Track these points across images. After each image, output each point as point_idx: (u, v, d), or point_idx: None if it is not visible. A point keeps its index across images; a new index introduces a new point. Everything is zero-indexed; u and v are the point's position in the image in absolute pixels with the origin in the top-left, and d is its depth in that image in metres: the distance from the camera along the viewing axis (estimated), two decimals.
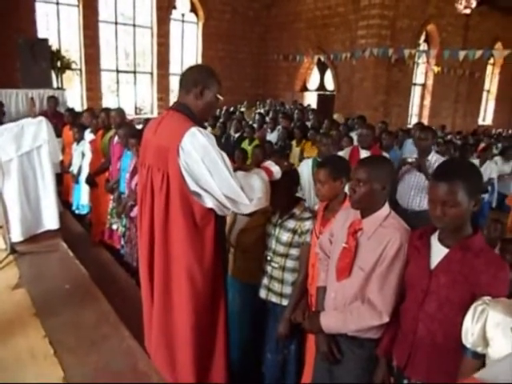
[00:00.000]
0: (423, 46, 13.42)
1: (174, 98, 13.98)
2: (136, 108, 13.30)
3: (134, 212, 3.53)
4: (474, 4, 7.84)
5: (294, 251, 2.27)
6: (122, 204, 3.68)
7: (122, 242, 3.97)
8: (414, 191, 4.02)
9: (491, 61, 16.29)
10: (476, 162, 7.06)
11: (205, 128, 1.92)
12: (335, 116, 10.77)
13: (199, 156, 1.75)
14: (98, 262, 3.98)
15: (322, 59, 13.10)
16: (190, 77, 1.95)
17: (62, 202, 4.66)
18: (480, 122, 17.05)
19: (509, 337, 1.30)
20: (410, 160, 3.99)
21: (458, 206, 1.42)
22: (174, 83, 13.89)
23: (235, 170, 1.94)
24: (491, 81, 17.27)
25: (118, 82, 12.88)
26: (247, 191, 1.84)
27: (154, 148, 1.90)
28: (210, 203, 1.84)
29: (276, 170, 2.11)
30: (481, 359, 1.42)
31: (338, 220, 1.91)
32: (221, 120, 7.97)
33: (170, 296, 1.92)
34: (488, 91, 17.35)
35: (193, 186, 1.80)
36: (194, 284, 1.87)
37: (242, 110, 11.89)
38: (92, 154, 4.72)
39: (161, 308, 1.96)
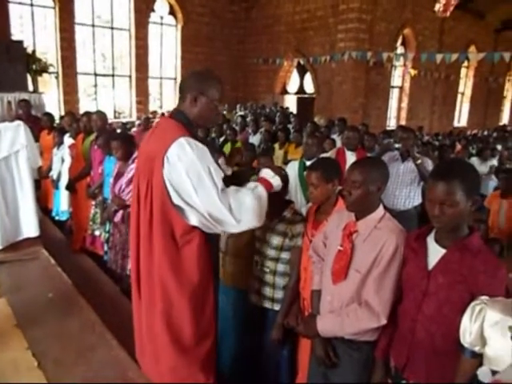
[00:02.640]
0: (400, 50, 13.65)
1: (153, 101, 13.88)
2: (115, 112, 13.10)
3: (118, 217, 3.45)
4: (452, 7, 8.05)
5: (285, 255, 2.24)
6: (107, 210, 3.59)
7: (106, 248, 3.88)
8: (399, 190, 4.07)
9: (465, 64, 16.71)
10: None
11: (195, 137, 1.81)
12: (316, 118, 10.84)
13: (184, 168, 1.66)
14: (80, 270, 3.88)
15: (302, 62, 13.19)
16: (186, 83, 1.88)
17: (40, 209, 4.54)
18: (455, 123, 17.44)
19: (507, 336, 1.31)
20: (396, 146, 4.05)
21: (457, 205, 1.42)
22: (153, 86, 13.78)
23: (229, 181, 1.83)
24: (465, 83, 17.70)
25: (95, 86, 12.67)
26: (235, 211, 1.70)
27: (144, 156, 1.85)
28: (193, 220, 1.74)
29: (276, 183, 1.93)
30: (478, 359, 1.42)
31: (332, 222, 1.90)
32: None
33: (154, 305, 1.86)
34: (462, 94, 17.77)
35: (176, 200, 1.72)
36: (168, 299, 1.80)
37: (223, 113, 11.84)
38: (72, 159, 4.60)
39: (147, 316, 1.90)
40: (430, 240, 1.57)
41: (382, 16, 12.02)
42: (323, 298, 1.85)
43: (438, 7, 8.33)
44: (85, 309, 2.87)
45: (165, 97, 14.33)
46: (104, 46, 12.91)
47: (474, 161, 7.20)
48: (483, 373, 1.38)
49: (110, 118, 11.21)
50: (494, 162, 7.52)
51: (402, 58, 12.51)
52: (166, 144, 1.69)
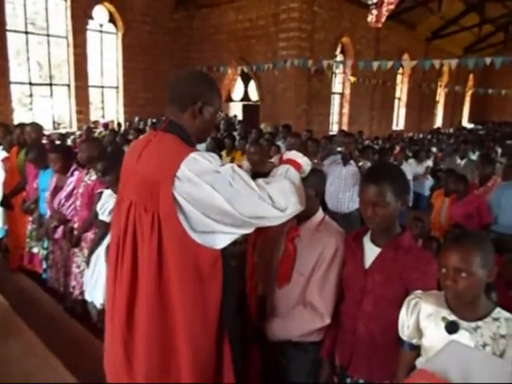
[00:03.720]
0: (339, 57, 14.16)
1: (94, 110, 13.45)
2: (54, 122, 12.55)
3: (59, 233, 3.31)
4: (384, 18, 8.51)
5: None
6: (44, 226, 3.43)
7: (45, 266, 3.70)
8: (342, 193, 4.23)
9: (400, 71, 17.63)
10: None
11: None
12: (262, 125, 10.99)
13: (209, 184, 1.38)
14: (18, 290, 3.68)
15: (246, 70, 13.33)
16: (185, 89, 1.56)
17: None
18: (394, 127, 18.31)
19: (441, 326, 1.39)
20: (339, 149, 4.24)
21: (387, 206, 1.51)
22: (94, 95, 13.37)
23: (254, 175, 1.61)
24: (401, 89, 18.67)
25: (31, 95, 12.08)
26: (278, 202, 1.46)
27: (138, 181, 1.50)
28: (222, 240, 1.48)
29: (305, 164, 1.66)
30: (416, 350, 1.51)
31: (274, 228, 1.93)
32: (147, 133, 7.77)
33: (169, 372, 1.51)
34: (399, 99, 18.73)
35: (201, 224, 1.43)
36: (197, 356, 1.49)
37: None
38: (6, 173, 4.36)
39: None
40: (366, 240, 1.65)
41: (321, 25, 12.42)
42: (269, 302, 1.87)
43: (370, 18, 8.77)
44: (25, 331, 2.74)
45: (107, 106, 13.94)
46: (40, 54, 12.36)
47: (411, 162, 7.59)
48: (421, 363, 1.46)
49: (48, 130, 10.74)
50: (429, 162, 7.98)
51: (341, 66, 12.99)
52: (173, 164, 1.40)
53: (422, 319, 1.45)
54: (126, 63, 13.46)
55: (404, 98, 18.80)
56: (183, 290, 1.45)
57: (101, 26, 13.10)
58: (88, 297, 3.04)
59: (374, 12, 8.43)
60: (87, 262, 2.99)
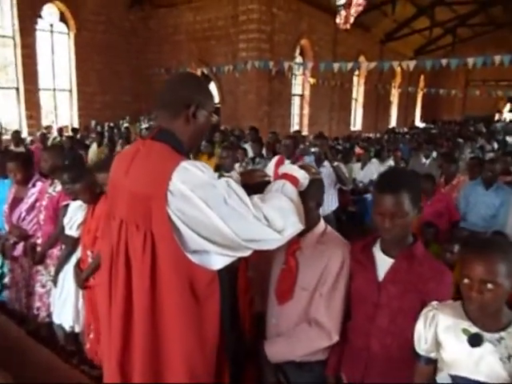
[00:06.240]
0: (299, 59, 14.24)
1: (45, 114, 12.75)
2: (1, 128, 11.77)
3: (19, 250, 3.01)
4: (352, 18, 8.61)
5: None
6: (0, 242, 3.12)
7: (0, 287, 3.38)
8: None
9: (356, 72, 18.00)
10: (357, 165, 7.68)
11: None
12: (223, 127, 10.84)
13: (201, 199, 1.25)
14: None
15: (206, 72, 13.13)
16: (177, 94, 1.44)
17: None
18: (352, 127, 18.67)
19: (462, 339, 1.31)
20: (313, 150, 4.16)
21: (406, 215, 1.41)
22: (46, 99, 12.68)
23: (250, 191, 1.45)
24: (357, 91, 19.08)
25: None
26: (275, 223, 1.32)
27: (127, 196, 1.36)
28: (218, 261, 1.35)
29: (302, 176, 1.52)
30: (434, 365, 1.42)
31: None
32: (105, 138, 7.45)
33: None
34: (356, 100, 19.14)
35: (194, 244, 1.31)
36: (194, 374, 1.36)
37: (126, 125, 11.28)
38: None
39: None
40: (377, 251, 1.55)
41: (280, 27, 12.42)
42: (268, 320, 1.74)
43: (339, 20, 8.82)
44: None
45: (59, 110, 13.25)
46: None
47: (375, 162, 7.67)
48: (442, 378, 1.37)
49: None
50: (391, 162, 8.09)
51: (301, 68, 13.07)
52: (164, 175, 1.27)
53: (441, 332, 1.36)
54: (79, 64, 12.84)
55: (360, 99, 19.23)
56: (179, 313, 1.33)
57: (51, 25, 12.44)
58: (56, 319, 2.78)
59: (343, 13, 8.48)
60: (54, 282, 2.73)
